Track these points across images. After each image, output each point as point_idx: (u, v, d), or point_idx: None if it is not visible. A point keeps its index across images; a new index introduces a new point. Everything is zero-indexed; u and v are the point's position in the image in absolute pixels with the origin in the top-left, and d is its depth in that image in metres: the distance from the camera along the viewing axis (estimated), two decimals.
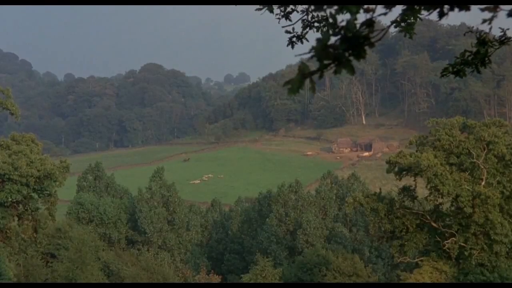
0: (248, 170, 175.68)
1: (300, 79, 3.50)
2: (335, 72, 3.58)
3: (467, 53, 6.55)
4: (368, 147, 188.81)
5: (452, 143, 43.96)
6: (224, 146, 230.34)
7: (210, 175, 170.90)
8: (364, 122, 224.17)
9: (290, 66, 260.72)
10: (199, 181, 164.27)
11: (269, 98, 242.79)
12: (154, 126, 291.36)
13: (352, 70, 3.61)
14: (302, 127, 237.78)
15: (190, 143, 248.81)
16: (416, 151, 45.39)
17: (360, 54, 3.67)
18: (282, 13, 10.36)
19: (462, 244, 41.87)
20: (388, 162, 44.86)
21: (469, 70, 6.64)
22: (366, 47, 3.71)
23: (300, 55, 3.70)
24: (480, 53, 6.53)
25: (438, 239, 43.08)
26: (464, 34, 8.50)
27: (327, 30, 3.56)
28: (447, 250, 42.46)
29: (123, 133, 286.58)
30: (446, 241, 42.20)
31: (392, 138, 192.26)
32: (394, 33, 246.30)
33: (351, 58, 3.64)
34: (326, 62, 3.46)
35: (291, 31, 10.16)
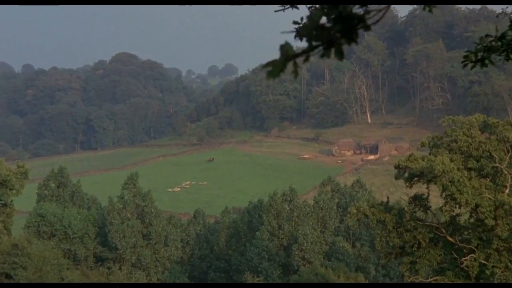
0: (236, 175, 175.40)
1: (282, 61, 3.41)
2: (322, 55, 3.48)
3: (489, 38, 6.37)
4: (374, 150, 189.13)
5: (471, 144, 43.94)
6: (208, 149, 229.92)
7: (192, 182, 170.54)
8: (369, 120, 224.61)
9: None
10: (179, 189, 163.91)
11: (260, 93, 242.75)
12: (127, 125, 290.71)
13: (341, 55, 3.51)
14: (298, 126, 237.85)
15: (168, 145, 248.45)
16: (429, 154, 45.35)
17: (351, 37, 3.57)
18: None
19: (482, 261, 41.84)
20: (397, 166, 44.79)
21: (496, 58, 6.40)
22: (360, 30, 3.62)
23: (286, 32, 3.60)
24: (505, 37, 6.34)
25: (455, 255, 43.03)
26: (497, 16, 8.31)
27: (320, 8, 3.47)
28: (466, 268, 42.42)
29: (91, 134, 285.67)
30: (464, 258, 42.15)
31: (402, 139, 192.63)
32: (404, 18, 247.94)
33: (342, 41, 3.53)
34: (315, 43, 3.37)
35: (300, 21, 9.98)
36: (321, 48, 3.57)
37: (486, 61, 6.36)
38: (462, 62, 6.56)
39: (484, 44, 6.36)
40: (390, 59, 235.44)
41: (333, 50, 3.61)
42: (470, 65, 6.54)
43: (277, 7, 9.73)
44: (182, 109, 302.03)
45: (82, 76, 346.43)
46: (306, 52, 3.49)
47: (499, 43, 6.29)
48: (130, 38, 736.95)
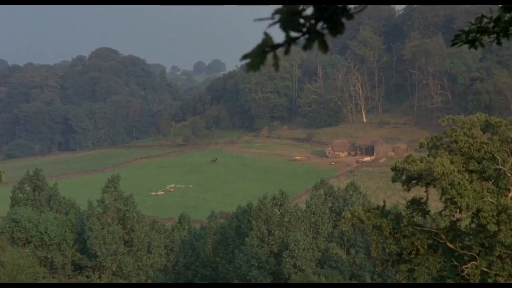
0: (224, 178, 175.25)
1: (260, 52, 3.33)
2: (305, 48, 3.41)
3: (485, 20, 6.33)
4: (369, 151, 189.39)
5: (472, 145, 43.99)
6: (194, 150, 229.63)
7: (176, 185, 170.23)
8: (364, 120, 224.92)
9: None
10: (163, 192, 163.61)
11: (249, 91, 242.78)
12: (107, 125, 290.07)
13: (325, 47, 3.43)
14: (289, 126, 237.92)
15: (152, 146, 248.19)
16: (428, 155, 45.36)
17: (336, 28, 3.49)
18: None
19: (484, 269, 41.88)
20: (394, 168, 44.77)
21: (486, 40, 6.38)
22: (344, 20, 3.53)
23: (260, 20, 3.51)
24: (501, 20, 6.30)
25: (456, 263, 43.05)
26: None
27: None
28: (467, 277, 42.46)
29: (69, 134, 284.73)
30: (465, 266, 42.18)
31: (399, 139, 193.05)
32: (402, 11, 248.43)
33: (325, 31, 3.45)
34: (294, 35, 3.29)
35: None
36: (302, 39, 3.50)
37: (477, 43, 6.35)
38: (452, 41, 6.55)
39: (479, 25, 6.31)
40: (387, 54, 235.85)
41: (316, 42, 3.53)
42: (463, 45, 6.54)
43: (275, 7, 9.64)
44: (166, 107, 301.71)
45: (60, 72, 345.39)
46: (286, 43, 3.42)
47: (495, 26, 6.26)
48: (111, 32, 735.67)
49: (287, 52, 3.48)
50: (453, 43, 6.62)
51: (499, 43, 6.47)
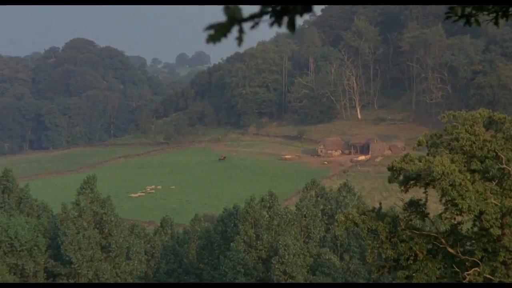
0: (208, 179, 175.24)
1: (227, 24, 3.31)
2: (271, 24, 3.40)
3: None
4: (364, 149, 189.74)
5: (474, 143, 44.08)
6: (177, 148, 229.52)
7: (157, 186, 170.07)
8: (359, 116, 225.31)
9: (262, 43, 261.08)
10: (143, 194, 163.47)
11: (235, 85, 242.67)
12: (83, 121, 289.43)
13: (292, 26, 3.43)
14: (278, 122, 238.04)
15: (131, 144, 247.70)
16: (427, 154, 45.42)
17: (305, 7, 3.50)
18: None
19: (487, 276, 42.00)
20: (391, 168, 44.80)
21: (483, 17, 6.35)
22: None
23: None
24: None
25: (457, 269, 43.15)
26: None
27: None
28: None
29: (42, 131, 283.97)
30: (467, 272, 42.29)
31: (396, 137, 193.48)
32: None
33: (297, 8, 3.46)
34: (265, 9, 3.28)
35: None
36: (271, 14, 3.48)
37: (472, 19, 6.30)
38: (446, 14, 6.52)
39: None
40: (383, 46, 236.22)
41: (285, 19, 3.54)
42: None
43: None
44: (146, 103, 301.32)
45: (31, 65, 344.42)
46: (254, 17, 3.40)
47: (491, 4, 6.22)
48: (87, 22, 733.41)
49: (254, 26, 3.45)
50: (446, 17, 6.57)
51: (496, 23, 6.42)
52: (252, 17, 3.39)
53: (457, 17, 6.34)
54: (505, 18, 6.30)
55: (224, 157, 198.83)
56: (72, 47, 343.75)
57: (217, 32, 3.30)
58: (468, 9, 6.26)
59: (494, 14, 6.28)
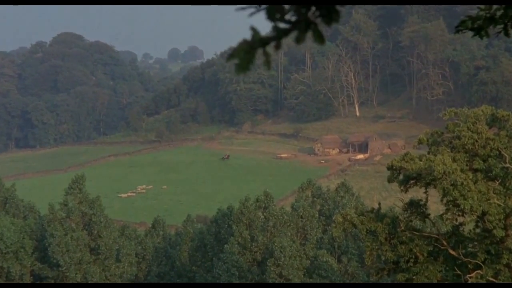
0: (202, 178, 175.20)
1: (248, 49, 3.21)
2: (297, 40, 3.31)
3: (495, 6, 6.32)
4: (363, 148, 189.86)
5: (476, 141, 44.11)
6: (169, 146, 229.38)
7: (149, 186, 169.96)
8: (357, 113, 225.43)
9: None
10: (133, 194, 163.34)
11: (229, 81, 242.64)
12: (71, 119, 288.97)
13: (321, 38, 3.34)
14: (274, 120, 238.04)
15: (121, 142, 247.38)
16: (428, 152, 45.45)
17: (330, 15, 3.42)
18: None
19: (491, 278, 42.04)
20: (390, 167, 44.83)
21: (493, 30, 6.39)
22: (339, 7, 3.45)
23: (242, 8, 3.43)
24: (509, 14, 6.30)
25: (458, 272, 43.19)
26: None
27: None
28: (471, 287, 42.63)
29: (28, 129, 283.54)
30: (469, 275, 42.33)
31: (396, 135, 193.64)
32: None
33: (318, 20, 3.37)
34: (282, 26, 3.19)
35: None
36: (293, 31, 3.40)
37: (482, 32, 6.34)
38: (456, 28, 6.53)
39: (487, 12, 6.29)
40: (382, 41, 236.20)
41: (311, 32, 3.44)
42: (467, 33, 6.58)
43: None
44: (137, 99, 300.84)
45: (17, 60, 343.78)
46: (276, 37, 3.31)
47: (503, 16, 6.25)
48: (75, 15, 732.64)
49: (278, 47, 3.38)
50: (456, 30, 6.60)
51: (506, 34, 6.44)
52: (273, 37, 3.31)
53: (468, 29, 6.38)
54: None
55: (228, 156, 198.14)
56: (60, 41, 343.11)
57: (243, 60, 3.21)
58: (479, 22, 6.29)
59: (503, 25, 6.31)
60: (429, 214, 45.53)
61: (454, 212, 42.74)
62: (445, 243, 43.73)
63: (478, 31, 6.37)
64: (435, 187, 42.91)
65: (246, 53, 3.27)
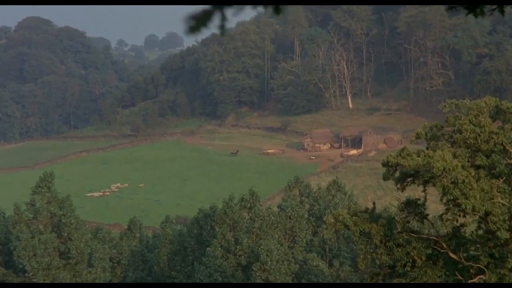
0: (181, 176, 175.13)
1: (208, 13, 3.29)
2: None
3: None
4: (356, 143, 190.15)
5: (479, 136, 44.25)
6: (145, 141, 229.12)
7: (124, 184, 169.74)
8: (350, 105, 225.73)
9: (242, 23, 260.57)
10: (107, 193, 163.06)
11: (211, 71, 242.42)
12: (39, 111, 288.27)
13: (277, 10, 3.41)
14: (260, 112, 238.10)
15: (94, 137, 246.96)
16: (427, 148, 45.59)
17: None
18: None
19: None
20: (386, 164, 44.92)
21: (488, 8, 6.44)
22: None
23: None
24: None
25: (460, 276, 43.36)
26: None
27: None
28: None
29: None
30: (471, 281, 42.50)
31: (392, 129, 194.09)
32: None
33: None
34: None
35: None
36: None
37: (478, 10, 6.40)
38: (449, 5, 6.60)
39: None
40: (377, 27, 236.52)
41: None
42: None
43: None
44: (111, 90, 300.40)
45: None
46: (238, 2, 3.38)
47: None
48: None
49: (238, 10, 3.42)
50: (449, 7, 6.65)
51: (501, 11, 6.49)
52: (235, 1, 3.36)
53: (461, 7, 6.44)
54: (511, 5, 6.41)
55: (237, 151, 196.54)
56: (26, 27, 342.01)
57: (199, 22, 3.26)
58: None
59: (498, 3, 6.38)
60: (428, 215, 45.66)
61: (455, 212, 42.84)
62: (445, 245, 43.86)
63: (473, 9, 6.42)
64: (434, 185, 43.00)
65: (204, 15, 3.35)
